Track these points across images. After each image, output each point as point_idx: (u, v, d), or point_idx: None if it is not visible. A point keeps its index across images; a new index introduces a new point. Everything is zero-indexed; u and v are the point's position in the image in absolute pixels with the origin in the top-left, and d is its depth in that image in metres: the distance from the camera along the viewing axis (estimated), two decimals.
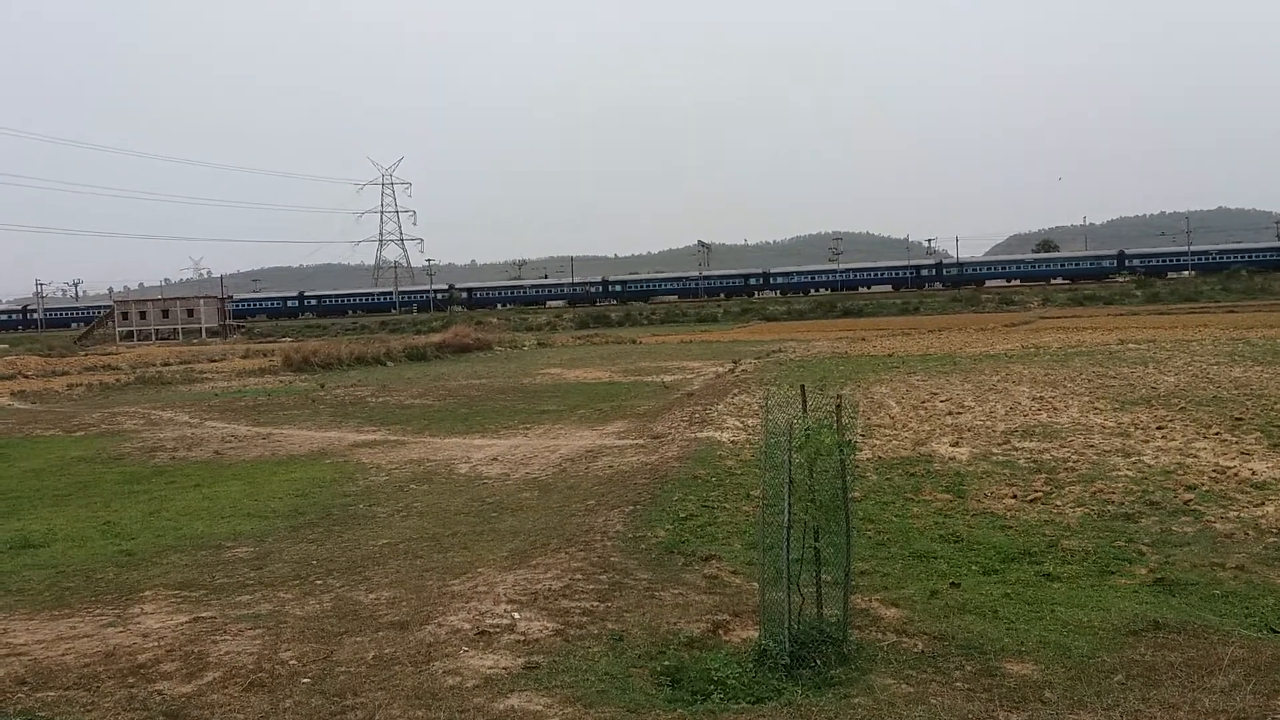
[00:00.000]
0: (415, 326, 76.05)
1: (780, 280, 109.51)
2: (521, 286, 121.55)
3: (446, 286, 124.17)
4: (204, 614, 7.57)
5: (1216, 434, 13.61)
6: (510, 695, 5.69)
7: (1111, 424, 14.93)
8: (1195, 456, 12.17)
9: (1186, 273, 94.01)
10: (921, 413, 17.14)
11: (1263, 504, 9.72)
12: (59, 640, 7.05)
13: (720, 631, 6.72)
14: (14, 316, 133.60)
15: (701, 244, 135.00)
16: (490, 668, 6.15)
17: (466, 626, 6.96)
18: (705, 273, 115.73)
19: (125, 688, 6.02)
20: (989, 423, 15.61)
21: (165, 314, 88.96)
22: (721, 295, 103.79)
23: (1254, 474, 11.03)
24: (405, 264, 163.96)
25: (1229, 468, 11.40)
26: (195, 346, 63.98)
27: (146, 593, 8.30)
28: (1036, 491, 10.72)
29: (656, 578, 8.12)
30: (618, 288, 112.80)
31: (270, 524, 11.00)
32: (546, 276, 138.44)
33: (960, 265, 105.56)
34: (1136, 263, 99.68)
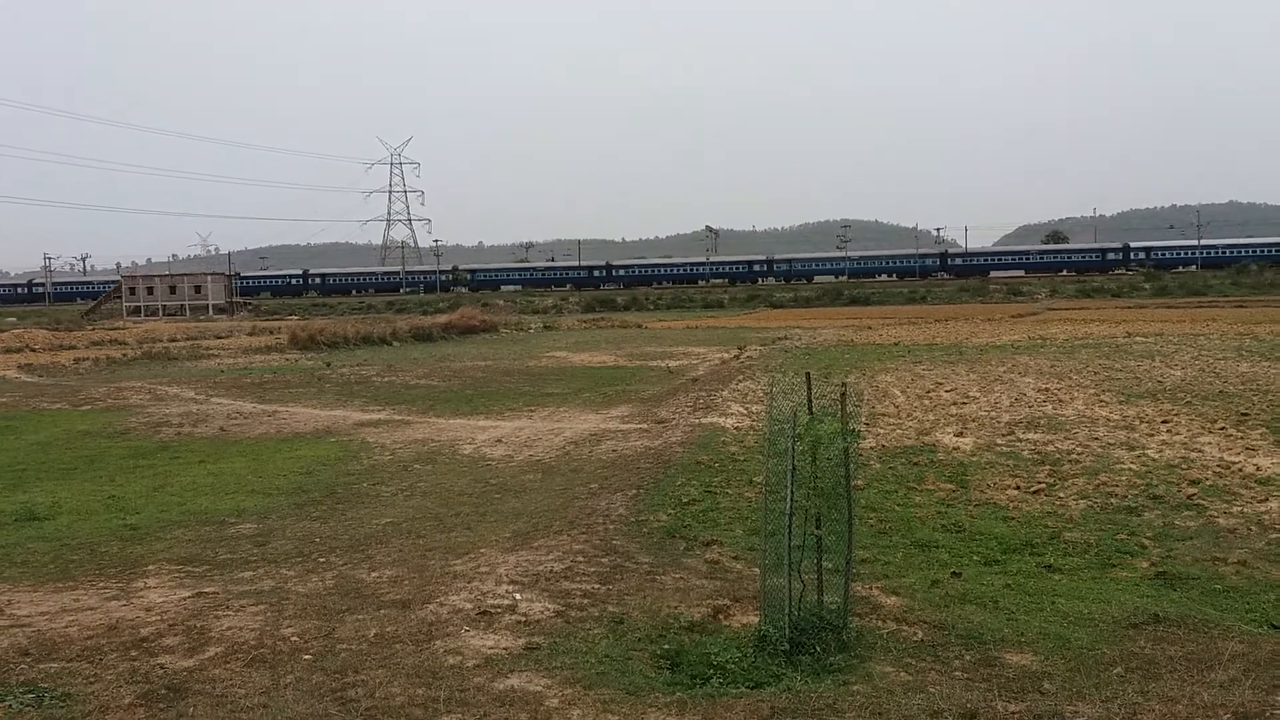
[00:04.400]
0: (422, 307, 76.06)
1: (621, 273, 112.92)
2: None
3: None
4: (207, 589, 7.62)
5: (1222, 429, 13.57)
6: (510, 675, 5.71)
7: (1116, 417, 14.90)
8: (1200, 451, 12.14)
9: (1020, 272, 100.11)
10: (926, 402, 17.13)
11: (1266, 500, 9.70)
12: (62, 612, 7.09)
13: (720, 616, 6.74)
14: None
15: (709, 229, 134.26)
16: (491, 648, 6.18)
17: (468, 606, 7.00)
18: (549, 264, 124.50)
19: (128, 660, 6.06)
20: (993, 413, 15.58)
21: (172, 290, 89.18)
22: (567, 286, 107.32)
23: (1258, 469, 11.00)
24: (413, 244, 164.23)
25: (1233, 463, 11.37)
26: (202, 323, 64.06)
27: (150, 567, 8.35)
28: (1040, 483, 10.71)
29: (658, 562, 8.15)
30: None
31: (274, 501, 11.04)
32: (553, 259, 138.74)
33: (789, 261, 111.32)
34: (958, 261, 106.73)
